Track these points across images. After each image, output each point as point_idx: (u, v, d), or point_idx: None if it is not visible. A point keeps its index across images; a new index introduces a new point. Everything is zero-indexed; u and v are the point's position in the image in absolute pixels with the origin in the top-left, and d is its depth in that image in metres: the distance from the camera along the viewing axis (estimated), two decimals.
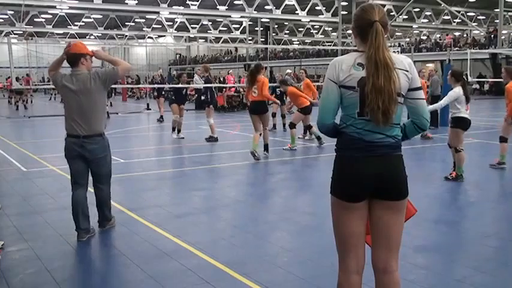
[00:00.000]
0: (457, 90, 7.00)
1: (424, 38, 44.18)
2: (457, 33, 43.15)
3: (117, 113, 21.35)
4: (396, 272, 2.63)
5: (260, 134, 9.24)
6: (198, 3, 35.63)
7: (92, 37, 55.21)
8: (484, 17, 46.27)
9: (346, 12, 38.65)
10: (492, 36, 33.21)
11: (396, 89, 2.44)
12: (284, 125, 14.11)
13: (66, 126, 4.69)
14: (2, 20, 43.90)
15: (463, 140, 7.26)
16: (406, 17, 41.64)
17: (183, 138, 12.39)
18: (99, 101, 4.66)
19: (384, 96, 2.40)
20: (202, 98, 13.16)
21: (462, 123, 7.07)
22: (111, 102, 26.65)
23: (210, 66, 14.92)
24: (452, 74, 7.22)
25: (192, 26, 45.65)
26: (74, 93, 4.56)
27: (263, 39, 46.13)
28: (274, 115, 14.07)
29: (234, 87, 23.64)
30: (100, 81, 4.60)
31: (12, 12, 38.79)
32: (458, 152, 7.10)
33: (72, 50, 4.63)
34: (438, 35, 46.74)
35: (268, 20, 45.98)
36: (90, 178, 4.95)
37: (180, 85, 13.85)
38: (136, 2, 35.90)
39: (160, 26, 47.38)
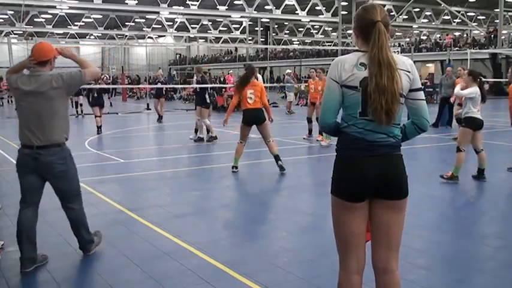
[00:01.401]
0: (475, 91, 7.05)
1: (424, 38, 44.20)
2: (457, 33, 43.14)
3: (117, 113, 21.36)
4: (396, 272, 2.63)
5: (244, 145, 8.11)
6: (198, 3, 35.64)
7: (92, 37, 55.22)
8: (484, 17, 46.30)
9: (346, 12, 38.66)
10: (492, 36, 33.19)
11: (399, 89, 2.44)
12: None
13: (19, 135, 4.06)
14: (2, 20, 43.92)
15: (468, 141, 7.19)
16: (406, 17, 41.66)
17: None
18: (60, 107, 4.02)
19: (387, 96, 2.40)
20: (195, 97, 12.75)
21: (472, 124, 7.08)
22: (111, 103, 26.74)
23: (210, 66, 14.77)
24: (470, 74, 7.26)
25: (192, 26, 45.66)
26: (30, 95, 3.94)
27: (263, 39, 46.18)
28: None
29: (233, 87, 23.60)
30: (64, 85, 3.97)
31: (12, 12, 38.80)
32: (460, 151, 7.08)
33: (43, 56, 4.03)
34: (438, 35, 46.76)
35: (268, 20, 46.00)
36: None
37: (204, 85, 12.68)
38: (136, 2, 35.91)
39: (160, 26, 47.39)
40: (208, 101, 12.18)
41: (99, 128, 13.75)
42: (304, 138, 12.00)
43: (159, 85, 17.92)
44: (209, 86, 12.70)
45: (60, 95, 4.00)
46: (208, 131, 12.02)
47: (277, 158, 8.02)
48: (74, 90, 4.21)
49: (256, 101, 7.91)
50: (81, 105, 19.90)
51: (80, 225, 4.34)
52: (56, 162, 4.00)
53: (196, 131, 12.15)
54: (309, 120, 12.15)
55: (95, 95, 14.50)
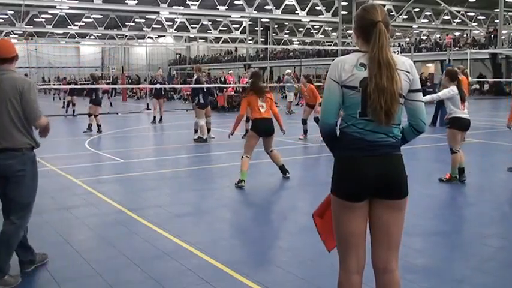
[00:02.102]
0: (450, 90, 6.90)
1: (424, 38, 44.19)
2: (457, 33, 43.15)
3: (117, 113, 21.37)
4: (396, 272, 2.63)
5: (249, 159, 7.24)
6: (198, 3, 35.65)
7: (92, 37, 55.23)
8: (484, 17, 46.29)
9: (346, 12, 38.66)
10: (492, 36, 33.20)
11: (398, 90, 2.44)
12: (247, 130, 11.21)
13: None
14: (2, 20, 43.90)
15: (459, 141, 7.15)
16: (406, 17, 41.65)
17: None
18: (21, 111, 3.78)
19: (386, 96, 2.40)
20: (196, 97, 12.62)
21: (457, 124, 6.97)
22: (111, 103, 26.74)
23: (210, 66, 14.78)
24: (446, 74, 7.13)
25: (192, 26, 45.67)
26: None
27: (263, 39, 46.16)
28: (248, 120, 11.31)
29: (232, 87, 23.58)
30: (21, 103, 3.75)
31: (12, 12, 38.79)
32: (454, 153, 7.05)
33: (10, 53, 3.86)
34: (438, 35, 46.75)
35: (268, 20, 45.99)
36: None
37: (204, 85, 12.71)
38: (136, 2, 35.93)
39: (160, 26, 47.40)
40: (201, 101, 12.02)
41: (99, 126, 13.86)
42: (299, 139, 11.99)
43: (158, 85, 17.91)
44: (204, 86, 12.63)
45: (20, 104, 3.78)
46: (196, 130, 12.02)
47: (283, 169, 7.56)
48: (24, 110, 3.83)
49: (268, 109, 7.31)
50: (73, 104, 19.90)
51: (4, 246, 3.78)
52: (13, 165, 3.77)
53: (196, 131, 12.16)
54: (304, 122, 12.27)
55: (99, 92, 14.72)
